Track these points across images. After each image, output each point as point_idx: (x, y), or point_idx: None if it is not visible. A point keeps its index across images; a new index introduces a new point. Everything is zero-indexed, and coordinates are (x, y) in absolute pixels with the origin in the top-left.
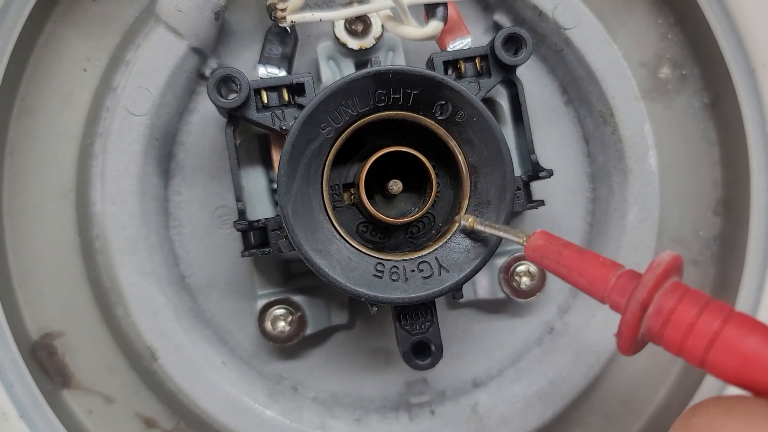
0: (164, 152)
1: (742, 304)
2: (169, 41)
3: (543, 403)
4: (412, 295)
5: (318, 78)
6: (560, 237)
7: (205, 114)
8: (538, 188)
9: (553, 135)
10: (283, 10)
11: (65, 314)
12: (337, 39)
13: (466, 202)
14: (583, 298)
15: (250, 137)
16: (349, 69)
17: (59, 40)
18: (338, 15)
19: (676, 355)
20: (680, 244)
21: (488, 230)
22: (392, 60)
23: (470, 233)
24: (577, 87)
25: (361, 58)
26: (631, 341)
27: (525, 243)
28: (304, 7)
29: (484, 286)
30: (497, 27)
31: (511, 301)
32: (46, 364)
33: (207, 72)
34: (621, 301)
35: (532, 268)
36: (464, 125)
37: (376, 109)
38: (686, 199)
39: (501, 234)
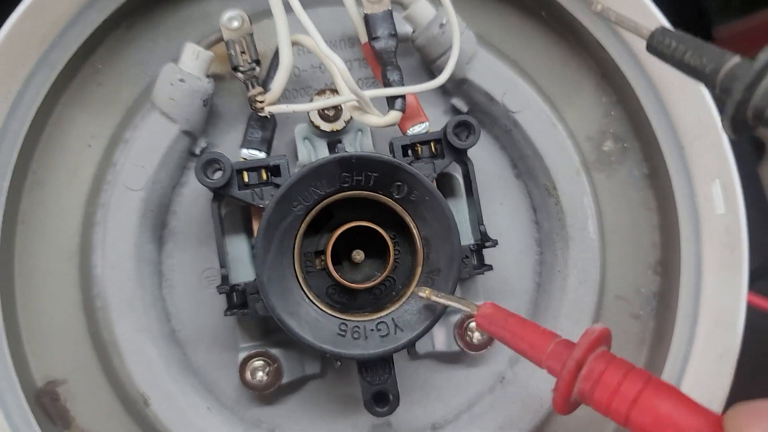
0: (158, 221)
1: (674, 355)
2: (163, 125)
3: None
4: (371, 351)
5: (294, 156)
6: (506, 308)
7: (195, 187)
8: (491, 251)
9: (506, 204)
10: (262, 101)
11: (67, 364)
12: (311, 122)
13: (419, 269)
14: None
15: (234, 208)
16: (322, 148)
17: (67, 119)
18: (311, 107)
19: (604, 415)
20: (623, 300)
21: (443, 301)
22: (360, 140)
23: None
24: (525, 162)
25: (333, 138)
26: (565, 400)
27: (475, 312)
28: (281, 98)
29: (441, 339)
30: (454, 109)
31: (465, 354)
32: (50, 409)
33: (197, 150)
34: (557, 365)
35: None
36: (418, 203)
37: (342, 189)
38: (628, 259)
39: (454, 305)
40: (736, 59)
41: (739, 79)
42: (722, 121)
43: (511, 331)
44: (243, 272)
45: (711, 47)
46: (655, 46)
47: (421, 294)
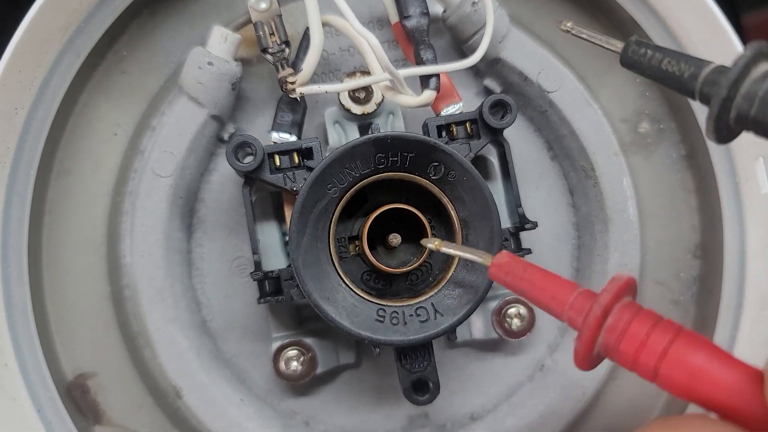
0: (187, 209)
1: (718, 342)
2: (190, 110)
3: None
4: (411, 338)
5: (325, 140)
6: (523, 259)
7: (224, 174)
8: (527, 236)
9: (541, 187)
10: (293, 82)
11: (97, 356)
12: (342, 105)
13: None
14: (570, 336)
15: (264, 194)
16: (353, 132)
17: (92, 108)
18: (343, 87)
19: (630, 370)
20: (662, 285)
21: (453, 251)
22: (392, 122)
23: (461, 282)
24: (561, 144)
25: (364, 121)
26: (587, 355)
27: (490, 262)
28: (312, 79)
29: (478, 327)
30: (487, 91)
31: (504, 341)
32: (80, 402)
33: (225, 136)
34: (579, 316)
35: (522, 311)
36: (455, 184)
37: (377, 171)
38: (667, 243)
39: (466, 255)
40: (714, 65)
41: (719, 84)
42: (706, 129)
43: (530, 280)
44: (274, 260)
45: (688, 55)
46: (631, 56)
47: (430, 245)
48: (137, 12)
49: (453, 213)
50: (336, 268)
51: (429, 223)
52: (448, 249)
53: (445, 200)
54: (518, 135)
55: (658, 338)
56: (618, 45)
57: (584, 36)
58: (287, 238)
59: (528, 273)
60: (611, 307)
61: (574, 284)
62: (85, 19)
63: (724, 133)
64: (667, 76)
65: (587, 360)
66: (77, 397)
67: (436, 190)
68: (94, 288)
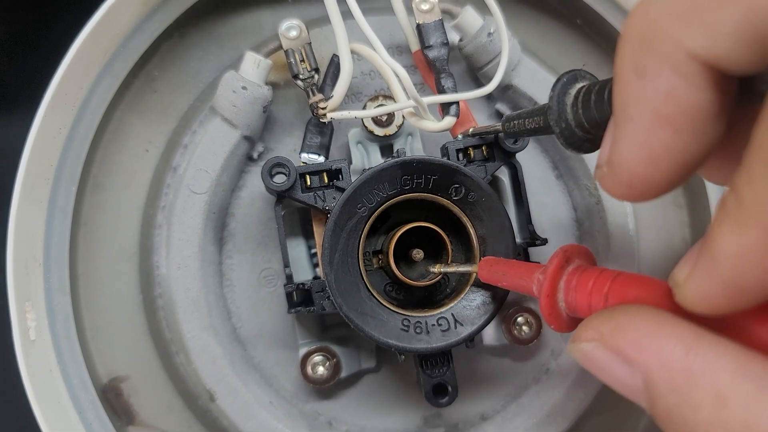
0: (219, 223)
1: None
2: (224, 130)
3: None
4: (433, 345)
5: (348, 159)
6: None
7: (253, 190)
8: (535, 249)
9: (547, 204)
10: (324, 108)
11: (129, 361)
12: (365, 127)
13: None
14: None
15: (291, 210)
16: (375, 152)
17: (126, 126)
18: (370, 113)
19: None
20: None
21: (450, 270)
22: (411, 144)
23: (478, 294)
24: (566, 164)
25: (385, 142)
26: (552, 311)
27: (476, 266)
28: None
29: (489, 334)
30: (498, 114)
31: (513, 347)
32: (114, 404)
33: (255, 155)
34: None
35: (530, 319)
36: (475, 204)
37: (402, 191)
38: (660, 256)
39: (459, 269)
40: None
41: (551, 115)
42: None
43: (508, 266)
44: (301, 272)
45: (538, 107)
46: (507, 130)
47: (433, 270)
48: (168, 35)
49: (472, 231)
50: (365, 282)
51: (448, 239)
52: (445, 269)
53: (465, 219)
54: (527, 155)
55: (600, 282)
56: (498, 127)
57: (478, 133)
58: (313, 251)
59: (507, 264)
60: (563, 262)
61: (542, 265)
62: (123, 43)
63: (583, 147)
64: (537, 131)
65: (555, 318)
66: (112, 399)
67: (456, 209)
68: (126, 296)
